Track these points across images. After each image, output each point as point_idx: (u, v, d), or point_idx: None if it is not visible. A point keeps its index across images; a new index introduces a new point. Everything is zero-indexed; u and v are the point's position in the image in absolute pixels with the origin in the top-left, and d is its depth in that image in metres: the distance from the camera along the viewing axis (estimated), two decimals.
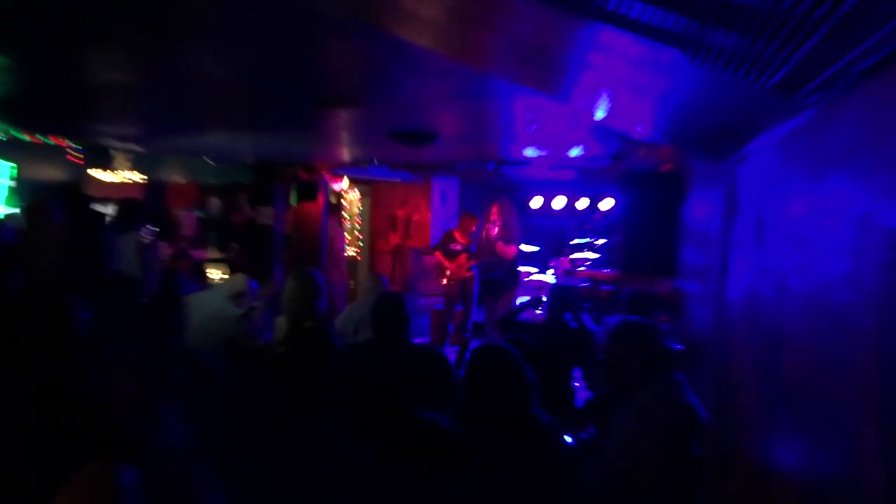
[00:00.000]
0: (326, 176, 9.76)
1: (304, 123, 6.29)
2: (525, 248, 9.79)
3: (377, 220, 12.13)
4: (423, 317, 9.27)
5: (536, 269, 10.49)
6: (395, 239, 11.78)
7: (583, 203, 10.64)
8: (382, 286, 5.52)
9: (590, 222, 10.44)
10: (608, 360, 3.08)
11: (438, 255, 8.90)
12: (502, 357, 2.89)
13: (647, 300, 4.83)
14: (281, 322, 4.71)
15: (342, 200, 11.50)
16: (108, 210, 7.29)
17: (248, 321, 4.92)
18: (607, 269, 9.67)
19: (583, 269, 9.94)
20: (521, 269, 9.88)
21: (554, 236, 10.90)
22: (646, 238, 5.35)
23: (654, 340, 3.05)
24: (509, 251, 8.71)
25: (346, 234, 10.93)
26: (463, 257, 8.71)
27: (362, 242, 11.91)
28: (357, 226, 11.83)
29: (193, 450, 2.39)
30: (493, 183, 11.59)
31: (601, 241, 10.09)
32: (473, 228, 8.71)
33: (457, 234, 8.77)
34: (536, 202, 10.85)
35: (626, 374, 2.98)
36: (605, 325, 3.57)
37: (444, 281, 8.85)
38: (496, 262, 8.70)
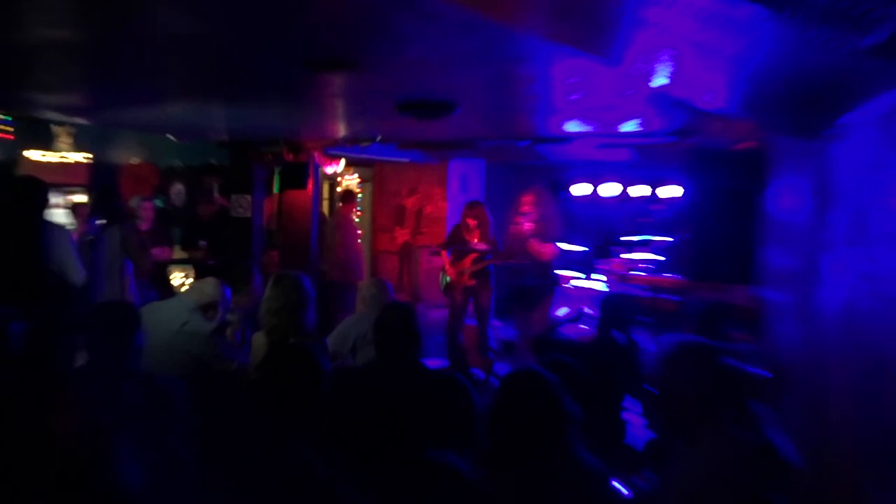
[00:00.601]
0: (317, 157, 9.87)
1: (289, 91, 6.31)
2: (565, 246, 9.91)
3: (381, 211, 12.21)
4: (438, 334, 9.30)
5: (580, 274, 10.57)
6: (402, 235, 11.91)
7: (639, 190, 10.69)
8: (387, 295, 5.59)
9: (648, 215, 10.54)
10: (661, 391, 3.12)
11: (444, 257, 8.98)
12: (537, 385, 2.93)
13: (720, 313, 4.88)
14: (259, 339, 4.76)
15: (340, 187, 11.73)
16: (57, 199, 7.44)
17: (221, 338, 4.99)
18: (670, 273, 9.79)
19: (639, 273, 10.04)
20: (561, 273, 9.91)
21: (602, 232, 10.98)
22: (718, 235, 5.38)
23: (723, 365, 3.07)
24: (546, 251, 8.77)
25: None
26: (467, 260, 8.77)
27: (361, 240, 11.96)
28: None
29: (151, 495, 2.39)
30: (525, 165, 11.77)
31: (662, 239, 10.19)
32: (473, 223, 8.74)
33: (468, 226, 8.85)
34: (580, 189, 10.91)
35: (684, 409, 2.99)
36: (662, 346, 3.58)
37: (447, 289, 8.96)
38: (529, 265, 8.77)
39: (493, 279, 8.90)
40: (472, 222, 8.75)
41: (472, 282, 8.73)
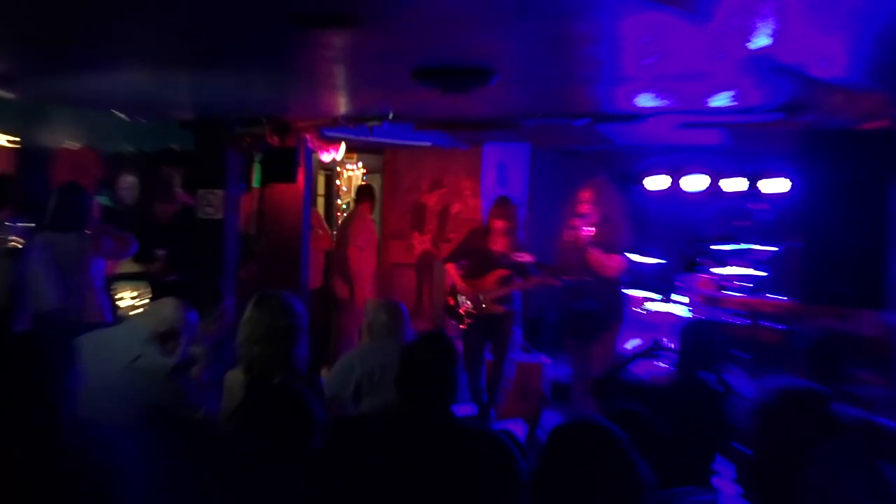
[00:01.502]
0: (310, 141, 9.97)
1: (273, 55, 6.33)
2: (636, 258, 9.89)
3: (393, 212, 12.31)
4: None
5: (656, 295, 10.62)
6: (421, 243, 12.04)
7: (733, 184, 10.67)
8: (401, 322, 5.79)
9: (745, 216, 10.55)
10: (760, 451, 3.17)
11: (451, 271, 9.11)
12: (598, 441, 2.95)
13: (840, 348, 4.90)
14: (235, 378, 4.80)
15: (341, 179, 11.92)
16: None
17: (183, 377, 4.97)
18: (774, 294, 9.79)
19: (733, 294, 10.01)
20: (631, 293, 9.94)
21: (685, 240, 11.02)
22: (838, 243, 5.39)
23: (844, 417, 3.10)
24: (611, 264, 8.80)
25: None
26: (491, 278, 8.89)
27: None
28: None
29: None
30: (584, 151, 11.89)
31: (764, 249, 10.21)
32: (502, 226, 8.84)
33: (494, 230, 8.91)
34: (656, 183, 10.96)
35: (791, 475, 3.01)
36: (759, 393, 3.61)
37: (462, 318, 9.05)
38: (588, 283, 8.77)
39: (520, 302, 9.06)
40: (500, 225, 8.87)
41: (499, 308, 8.91)
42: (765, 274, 10.15)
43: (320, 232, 10.81)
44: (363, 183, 11.76)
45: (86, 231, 7.47)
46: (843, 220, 5.42)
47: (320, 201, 12.46)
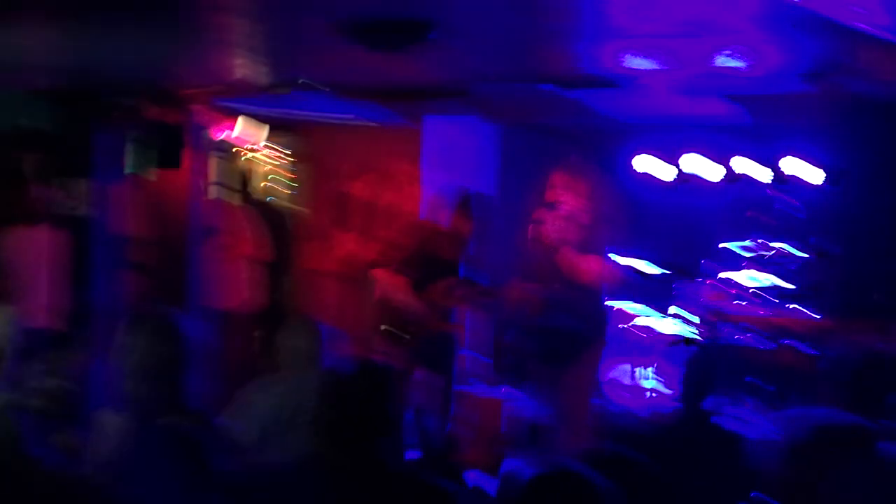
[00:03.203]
0: (201, 115, 10.08)
1: (153, 2, 6.40)
2: (624, 261, 10.04)
3: (310, 205, 12.39)
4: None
5: (650, 310, 10.63)
6: (346, 245, 11.91)
7: (750, 168, 10.67)
8: (319, 346, 5.85)
9: (766, 209, 10.54)
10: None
11: (388, 280, 9.10)
12: (579, 494, 3.00)
13: (886, 374, 4.92)
14: (108, 419, 4.74)
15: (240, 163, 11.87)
16: None
17: (24, 416, 4.96)
18: (801, 307, 9.87)
19: (750, 307, 10.12)
20: (618, 307, 10.11)
21: (689, 238, 11.16)
22: (883, 243, 5.36)
23: (890, 465, 3.13)
24: (589, 268, 8.69)
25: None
26: (439, 289, 8.96)
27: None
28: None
29: None
30: (557, 127, 11.91)
31: (789, 251, 10.26)
32: (461, 226, 8.94)
33: (454, 233, 8.98)
34: (651, 165, 11.04)
35: None
36: (785, 431, 3.71)
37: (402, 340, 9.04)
38: (561, 294, 8.70)
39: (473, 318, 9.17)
40: (458, 226, 8.99)
41: (445, 326, 9.06)
42: (790, 286, 10.13)
43: (242, 235, 10.86)
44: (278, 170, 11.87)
45: None
46: (892, 215, 5.45)
47: (216, 193, 11.79)
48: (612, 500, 2.97)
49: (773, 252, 10.29)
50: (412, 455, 8.78)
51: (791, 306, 10.00)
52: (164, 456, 3.22)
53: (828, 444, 3.14)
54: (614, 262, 9.36)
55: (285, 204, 12.53)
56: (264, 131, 11.84)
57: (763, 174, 10.62)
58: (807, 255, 10.08)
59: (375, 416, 4.00)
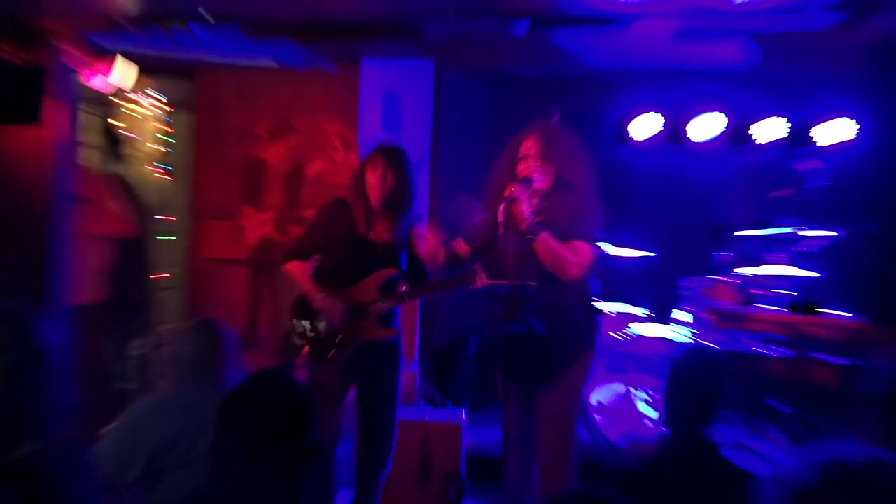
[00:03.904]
0: (68, 54, 9.86)
1: None
2: (614, 251, 10.40)
3: (209, 174, 12.47)
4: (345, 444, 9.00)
5: (643, 311, 10.68)
6: (258, 226, 11.90)
7: (768, 130, 10.89)
8: (225, 354, 5.72)
9: (790, 183, 10.49)
10: None
11: (298, 273, 8.77)
12: None
13: None
14: None
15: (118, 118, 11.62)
16: None
17: None
18: (831, 309, 9.87)
19: (767, 308, 10.19)
20: (605, 307, 10.18)
21: (692, 220, 11.24)
22: None
23: None
24: (571, 259, 8.24)
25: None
26: (369, 283, 8.57)
27: (173, 236, 12.31)
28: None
29: None
30: (531, 77, 12.12)
31: (816, 235, 10.27)
32: (380, 188, 8.46)
33: (371, 206, 8.53)
34: (644, 127, 11.15)
35: None
36: (807, 468, 3.41)
37: (324, 353, 8.68)
38: (535, 291, 8.23)
39: (418, 326, 9.16)
40: (377, 188, 8.43)
41: (381, 331, 8.60)
42: (816, 274, 10.12)
43: (107, 206, 10.64)
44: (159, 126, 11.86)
45: None
46: None
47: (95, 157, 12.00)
48: None
49: (803, 240, 10.28)
50: (346, 496, 8.85)
51: (817, 306, 10.00)
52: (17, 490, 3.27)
53: (858, 488, 2.99)
54: (603, 251, 9.41)
55: (165, 172, 12.51)
56: (147, 78, 11.64)
57: (782, 134, 11.09)
58: (838, 241, 10.24)
59: (290, 445, 3.97)
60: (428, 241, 8.56)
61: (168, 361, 6.06)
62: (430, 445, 9.65)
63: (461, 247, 8.49)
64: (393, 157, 8.56)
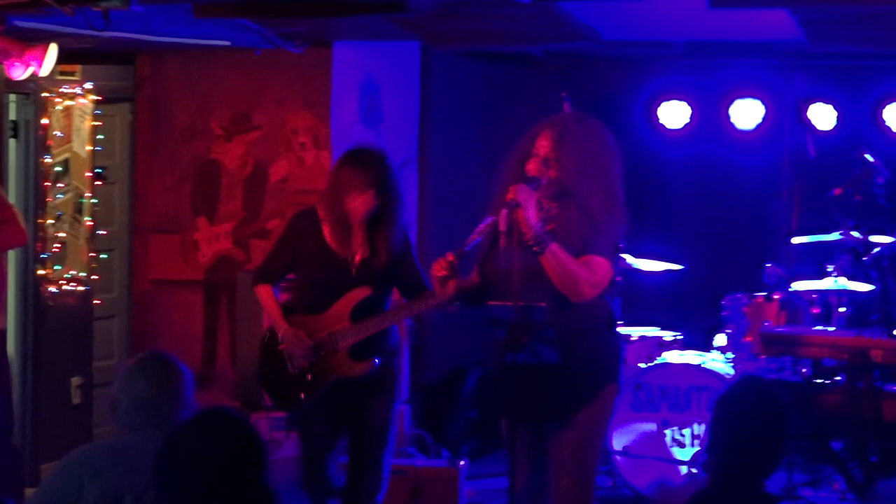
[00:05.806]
0: None
1: None
2: (641, 264, 10.20)
3: (154, 178, 12.06)
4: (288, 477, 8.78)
5: (673, 335, 10.45)
6: (214, 241, 11.74)
7: (823, 117, 10.73)
8: (177, 396, 5.36)
9: (856, 180, 10.00)
10: None
11: (262, 295, 8.49)
12: None
13: None
14: None
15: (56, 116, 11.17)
16: None
17: None
18: None
19: (826, 330, 9.83)
20: (634, 334, 10.16)
21: (734, 224, 11.27)
22: None
23: None
24: (592, 277, 7.65)
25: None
26: (342, 307, 8.20)
27: (106, 254, 11.87)
28: (80, 192, 11.51)
29: None
30: (539, 57, 11.95)
31: (887, 241, 9.81)
32: (362, 202, 8.14)
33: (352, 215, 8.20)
34: (675, 112, 11.12)
35: None
36: None
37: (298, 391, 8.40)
38: (554, 315, 7.60)
39: (407, 358, 9.44)
40: (361, 202, 8.07)
41: (362, 365, 8.19)
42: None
43: (8, 216, 10.10)
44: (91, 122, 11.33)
45: None
46: None
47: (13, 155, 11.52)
48: None
49: (874, 250, 9.78)
50: None
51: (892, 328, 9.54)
52: None
53: None
54: (627, 264, 9.63)
55: (98, 177, 11.69)
56: (84, 65, 11.25)
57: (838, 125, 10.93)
58: None
59: (240, 496, 3.98)
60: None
61: (112, 404, 5.40)
62: (422, 499, 9.49)
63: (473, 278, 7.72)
64: (374, 172, 8.07)
